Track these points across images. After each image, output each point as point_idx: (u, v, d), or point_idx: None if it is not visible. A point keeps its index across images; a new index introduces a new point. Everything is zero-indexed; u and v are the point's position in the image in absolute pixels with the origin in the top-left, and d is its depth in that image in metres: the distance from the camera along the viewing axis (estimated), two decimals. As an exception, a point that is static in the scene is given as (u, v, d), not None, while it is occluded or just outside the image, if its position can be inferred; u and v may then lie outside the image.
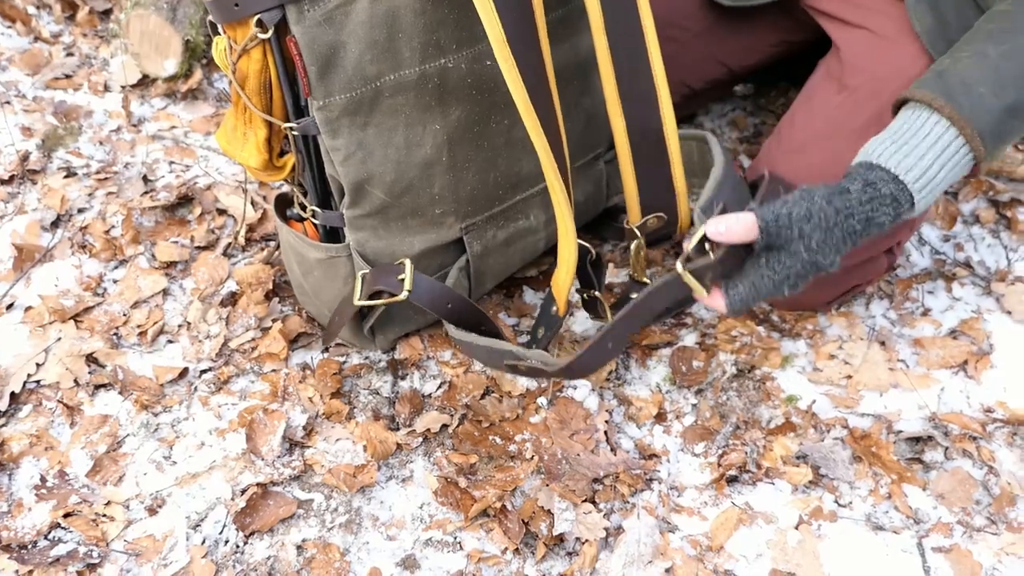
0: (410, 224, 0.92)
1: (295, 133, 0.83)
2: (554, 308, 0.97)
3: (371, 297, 0.91)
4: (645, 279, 1.04)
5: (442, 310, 0.90)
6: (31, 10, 1.62)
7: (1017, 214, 1.28)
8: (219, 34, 0.82)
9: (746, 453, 0.99)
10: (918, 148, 0.79)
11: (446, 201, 0.92)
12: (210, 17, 0.81)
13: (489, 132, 0.92)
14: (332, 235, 0.94)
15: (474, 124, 0.90)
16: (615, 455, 0.97)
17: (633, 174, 0.95)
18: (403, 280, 0.88)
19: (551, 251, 1.01)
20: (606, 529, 0.90)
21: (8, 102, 1.43)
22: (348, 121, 0.82)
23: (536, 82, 0.79)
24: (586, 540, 0.89)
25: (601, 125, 1.01)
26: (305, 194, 0.92)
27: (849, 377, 1.07)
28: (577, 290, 1.06)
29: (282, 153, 0.90)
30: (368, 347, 1.05)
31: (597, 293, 1.04)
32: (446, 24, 0.82)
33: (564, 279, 0.91)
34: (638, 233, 0.99)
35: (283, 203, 0.99)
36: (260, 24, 0.76)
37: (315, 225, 0.94)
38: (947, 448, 1.00)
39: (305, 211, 0.94)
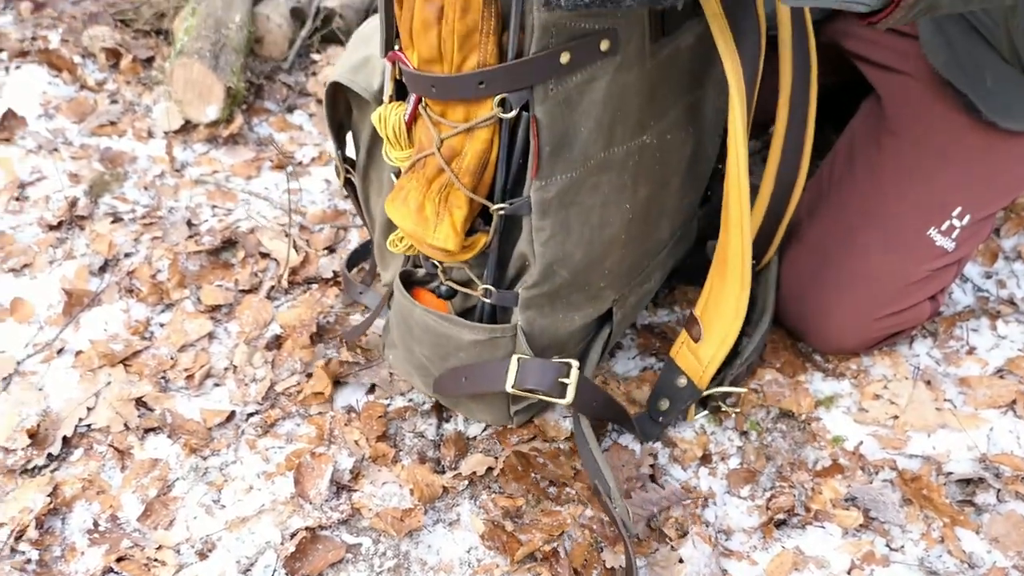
0: (574, 300, 0.89)
1: (503, 213, 0.80)
2: (681, 380, 0.98)
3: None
4: None
5: (588, 409, 0.91)
6: (77, 59, 1.67)
7: (1059, 250, 1.27)
8: (397, 102, 0.78)
9: (794, 496, 0.98)
10: None
11: (611, 276, 0.91)
12: (386, 90, 0.79)
13: (658, 206, 0.93)
14: (491, 315, 0.91)
15: (653, 200, 0.90)
16: (663, 489, 0.97)
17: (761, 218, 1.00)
18: (566, 385, 0.86)
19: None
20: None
21: (56, 149, 1.47)
22: (558, 201, 0.78)
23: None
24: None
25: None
26: (480, 275, 0.88)
27: (896, 417, 1.06)
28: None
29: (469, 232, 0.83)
30: (503, 423, 1.03)
31: None
32: (654, 99, 0.82)
33: (717, 355, 0.93)
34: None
35: (407, 281, 0.95)
36: (503, 103, 0.72)
37: (484, 305, 0.89)
38: (999, 490, 0.98)
39: (469, 289, 0.89)
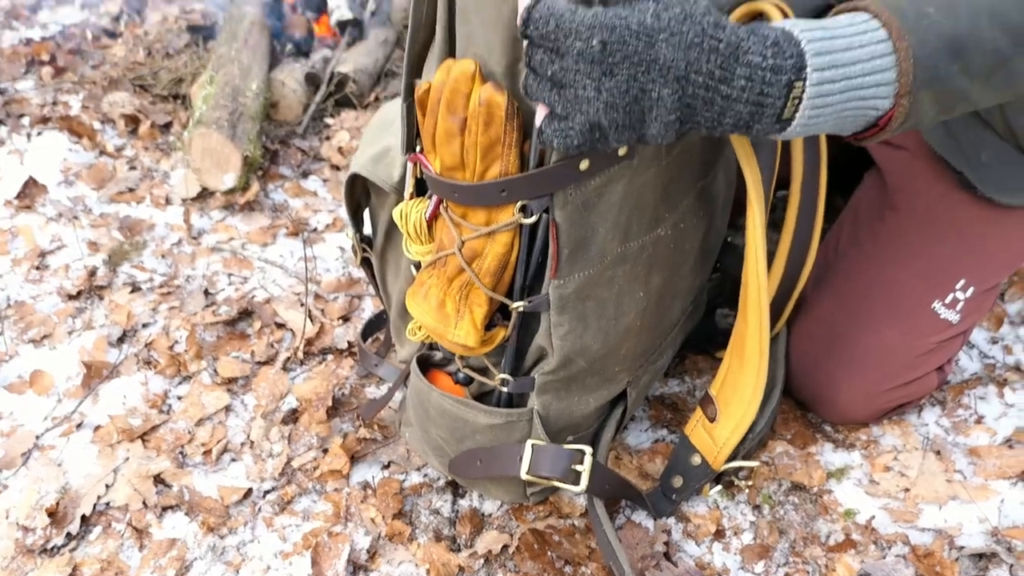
0: (589, 384, 0.91)
1: (522, 311, 0.81)
2: (696, 458, 0.99)
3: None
4: None
5: (602, 492, 0.92)
6: (96, 125, 1.71)
7: (1064, 316, 1.28)
8: (418, 198, 0.80)
9: (808, 572, 0.99)
10: (840, 35, 0.64)
11: (627, 360, 0.93)
12: (407, 186, 0.81)
13: (671, 290, 0.95)
14: (507, 400, 0.92)
15: (666, 287, 0.92)
16: (677, 567, 0.98)
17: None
18: (580, 472, 0.87)
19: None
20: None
21: (76, 217, 1.50)
22: (575, 296, 0.80)
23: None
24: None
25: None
26: (497, 363, 0.90)
27: (907, 490, 1.07)
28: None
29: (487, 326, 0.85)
30: (520, 501, 1.04)
31: None
32: (668, 194, 0.84)
33: (732, 438, 0.95)
34: None
35: (424, 364, 0.97)
36: (523, 209, 0.74)
37: (501, 392, 0.90)
38: (1011, 565, 0.99)
39: (486, 378, 0.90)
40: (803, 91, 0.62)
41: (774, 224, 1.44)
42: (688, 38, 0.60)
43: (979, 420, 1.15)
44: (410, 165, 0.82)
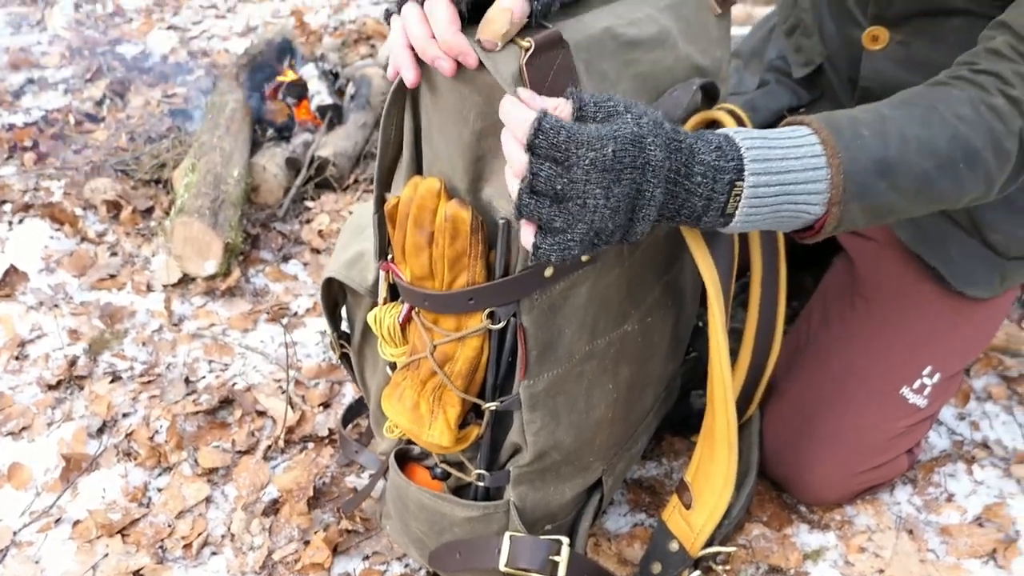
0: (564, 473, 0.92)
1: (494, 410, 0.84)
2: (673, 544, 1.01)
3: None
4: None
5: None
6: (78, 211, 1.73)
7: (1029, 389, 1.32)
8: (392, 303, 0.83)
9: (786, 659, 0.99)
10: (778, 146, 0.71)
11: (601, 451, 0.95)
12: (381, 291, 0.84)
13: (642, 380, 0.97)
14: (484, 492, 0.93)
15: (636, 378, 0.95)
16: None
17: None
18: (558, 563, 0.88)
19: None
20: None
21: (57, 305, 1.51)
22: (545, 394, 0.83)
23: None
24: None
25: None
26: (472, 457, 0.91)
27: (881, 571, 1.08)
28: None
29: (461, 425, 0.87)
30: None
31: None
32: (633, 291, 0.87)
33: (707, 525, 0.96)
34: None
35: (402, 459, 0.98)
36: (491, 316, 0.77)
37: (477, 486, 0.92)
38: (986, 646, 1.00)
39: (463, 473, 0.92)
40: (742, 191, 0.69)
41: (744, 303, 1.48)
42: (663, 140, 0.66)
43: (949, 498, 1.17)
44: (382, 272, 0.85)
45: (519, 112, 0.64)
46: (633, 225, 0.69)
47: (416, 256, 0.75)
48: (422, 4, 0.68)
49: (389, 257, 0.83)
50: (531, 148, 0.63)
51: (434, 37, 0.67)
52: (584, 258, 0.78)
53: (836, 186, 0.71)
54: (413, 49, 0.69)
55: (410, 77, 0.69)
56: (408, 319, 0.83)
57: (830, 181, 0.71)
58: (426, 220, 0.74)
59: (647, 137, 0.66)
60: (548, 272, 0.76)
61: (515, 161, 0.64)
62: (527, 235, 0.67)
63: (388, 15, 0.71)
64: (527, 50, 0.67)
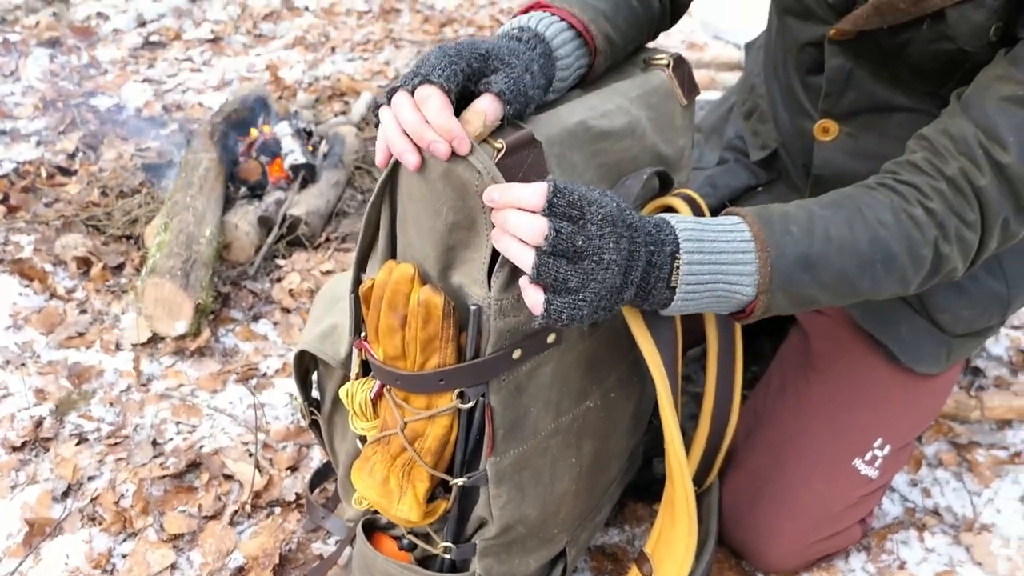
0: (529, 546, 0.94)
1: (462, 486, 0.85)
2: None
3: None
4: None
5: None
6: (48, 267, 1.73)
7: (976, 456, 1.37)
8: (364, 378, 0.86)
9: None
10: (710, 230, 0.77)
11: (565, 523, 0.97)
12: (353, 366, 0.86)
13: (605, 454, 1.00)
14: (451, 564, 0.95)
15: (599, 451, 0.98)
16: None
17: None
18: None
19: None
20: None
21: (24, 364, 1.51)
22: (511, 469, 0.85)
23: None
24: None
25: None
26: (439, 529, 0.92)
27: (837, 639, 1.11)
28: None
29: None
30: None
31: None
32: (593, 368, 0.90)
33: None
34: None
35: (369, 528, 0.99)
36: (461, 396, 0.80)
37: (443, 558, 0.93)
38: None
39: (429, 545, 0.93)
40: (680, 265, 0.74)
41: (704, 367, 1.52)
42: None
43: (902, 566, 1.21)
44: (355, 349, 0.88)
45: (524, 187, 0.69)
46: (623, 290, 0.72)
47: (389, 337, 0.78)
48: (412, 93, 0.72)
49: (363, 335, 0.85)
50: (550, 209, 0.68)
51: (427, 123, 0.70)
52: (550, 339, 0.81)
53: (764, 276, 0.77)
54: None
55: (412, 160, 0.72)
56: (380, 395, 0.85)
57: (759, 268, 0.77)
58: (400, 304, 0.77)
59: (622, 203, 0.72)
60: (516, 354, 0.79)
61: (529, 227, 0.68)
62: (535, 297, 0.70)
63: (376, 106, 0.75)
64: (499, 151, 0.71)
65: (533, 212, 0.68)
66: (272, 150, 1.98)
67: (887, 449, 1.11)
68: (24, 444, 1.36)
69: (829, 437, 1.11)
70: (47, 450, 1.35)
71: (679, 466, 0.90)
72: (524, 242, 0.69)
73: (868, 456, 1.11)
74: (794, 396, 1.15)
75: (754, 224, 0.78)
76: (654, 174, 0.90)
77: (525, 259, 0.69)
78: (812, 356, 1.15)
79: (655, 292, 0.75)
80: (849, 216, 0.81)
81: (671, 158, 0.97)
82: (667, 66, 0.98)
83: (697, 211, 0.91)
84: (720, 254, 0.76)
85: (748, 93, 1.23)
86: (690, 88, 1.00)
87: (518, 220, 0.68)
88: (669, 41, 2.92)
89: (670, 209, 0.92)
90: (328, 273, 1.77)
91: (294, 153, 1.97)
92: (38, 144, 2.26)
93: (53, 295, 1.68)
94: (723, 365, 1.04)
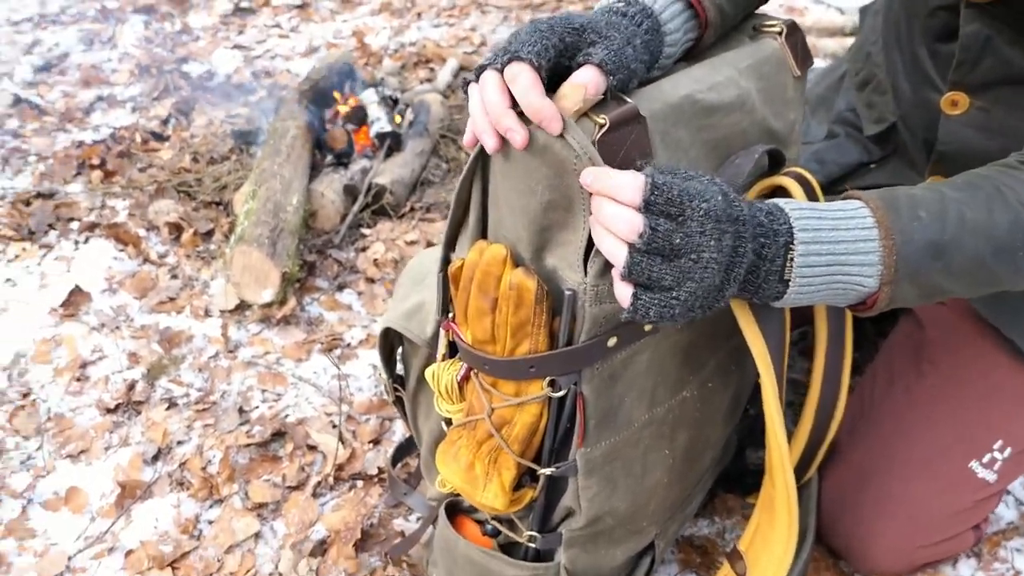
0: (616, 536, 0.91)
1: (550, 475, 0.82)
2: None
3: None
4: None
5: None
6: (141, 232, 1.77)
7: (1104, 459, 1.26)
8: (450, 360, 0.83)
9: None
10: (828, 216, 0.70)
11: (655, 515, 0.94)
12: (440, 347, 0.84)
13: (699, 444, 0.96)
14: (535, 553, 0.92)
15: (693, 442, 0.93)
16: None
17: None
18: None
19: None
20: None
21: (118, 327, 1.54)
22: (602, 460, 0.82)
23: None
24: None
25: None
26: (521, 518, 0.90)
27: (942, 649, 1.04)
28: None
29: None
30: None
31: None
32: (691, 356, 0.86)
33: None
34: None
35: (452, 510, 0.97)
36: (552, 384, 0.76)
37: (528, 547, 0.90)
38: None
39: (513, 532, 0.91)
40: (795, 256, 0.68)
41: (804, 351, 1.44)
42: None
43: (1017, 574, 1.12)
44: (442, 330, 0.85)
45: (621, 177, 0.63)
46: (724, 288, 0.67)
47: (479, 320, 0.75)
48: (501, 72, 0.67)
49: (450, 315, 0.82)
50: (647, 206, 0.63)
51: (511, 107, 0.66)
52: (647, 327, 0.77)
53: (889, 266, 0.70)
54: None
55: (491, 144, 0.68)
56: (466, 378, 0.82)
57: (884, 261, 0.70)
58: (491, 286, 0.73)
59: (729, 193, 0.66)
60: (612, 342, 0.74)
61: (623, 222, 0.63)
62: (624, 291, 0.66)
63: (466, 84, 0.71)
64: (601, 127, 0.66)
65: (629, 206, 0.63)
66: (358, 118, 1.97)
67: (1007, 452, 1.02)
68: (117, 407, 1.39)
69: (944, 435, 1.03)
70: (139, 413, 1.38)
71: (781, 464, 0.85)
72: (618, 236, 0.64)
73: (986, 458, 1.02)
74: (904, 392, 1.07)
75: (878, 209, 0.71)
76: (765, 152, 0.83)
77: (618, 255, 0.65)
78: (927, 347, 1.07)
79: (766, 286, 0.69)
80: (988, 198, 0.73)
81: (781, 133, 0.90)
82: (779, 34, 0.90)
83: (810, 192, 0.84)
84: (839, 243, 0.70)
85: (863, 62, 1.14)
86: (804, 58, 0.92)
87: (612, 212, 0.64)
88: (766, 6, 2.78)
89: (780, 189, 0.85)
90: (412, 244, 1.75)
91: (380, 121, 1.95)
92: (133, 110, 2.30)
93: (146, 260, 1.71)
94: (831, 355, 0.97)
